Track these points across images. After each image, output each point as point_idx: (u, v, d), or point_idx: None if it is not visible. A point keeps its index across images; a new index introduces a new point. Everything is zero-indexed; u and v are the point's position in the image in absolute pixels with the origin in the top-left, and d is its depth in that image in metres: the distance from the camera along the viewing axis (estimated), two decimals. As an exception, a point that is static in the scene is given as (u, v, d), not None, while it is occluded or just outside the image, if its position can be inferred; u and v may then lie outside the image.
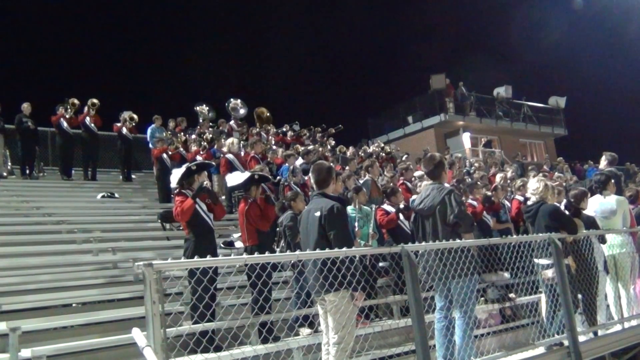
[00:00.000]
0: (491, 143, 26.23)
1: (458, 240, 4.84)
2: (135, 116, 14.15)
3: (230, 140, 12.04)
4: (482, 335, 5.66)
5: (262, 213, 6.77)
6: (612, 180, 7.35)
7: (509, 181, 12.11)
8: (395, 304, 7.26)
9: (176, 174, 6.64)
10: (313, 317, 6.27)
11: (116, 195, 12.36)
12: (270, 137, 14.96)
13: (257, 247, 6.48)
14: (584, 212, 6.70)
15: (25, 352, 4.90)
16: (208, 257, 3.59)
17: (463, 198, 8.17)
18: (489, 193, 9.75)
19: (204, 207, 6.43)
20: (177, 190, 6.50)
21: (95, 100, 13.64)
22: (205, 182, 6.58)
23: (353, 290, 4.42)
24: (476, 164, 15.93)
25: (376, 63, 43.99)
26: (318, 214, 4.63)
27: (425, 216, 5.26)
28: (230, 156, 11.24)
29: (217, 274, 5.57)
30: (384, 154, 16.18)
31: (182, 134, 13.88)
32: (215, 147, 12.63)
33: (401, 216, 8.21)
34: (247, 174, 7.17)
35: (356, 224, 7.43)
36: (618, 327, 6.35)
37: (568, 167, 19.51)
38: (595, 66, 33.98)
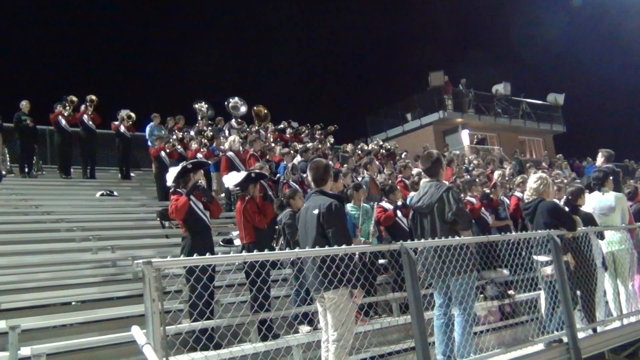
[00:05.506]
0: (484, 140, 26.18)
1: (457, 238, 4.84)
2: (132, 114, 14.09)
3: (232, 137, 12.04)
4: (481, 332, 5.65)
5: (260, 210, 6.78)
6: (611, 177, 7.36)
7: (507, 178, 12.11)
8: (395, 301, 7.27)
9: (172, 173, 6.65)
10: (312, 315, 6.28)
11: (115, 193, 12.34)
12: (268, 135, 14.94)
13: (254, 245, 6.47)
14: (582, 208, 6.71)
15: (25, 350, 4.89)
16: (207, 255, 3.60)
17: (462, 195, 8.19)
18: (487, 190, 9.76)
19: (200, 205, 6.43)
20: (173, 188, 6.50)
21: (92, 97, 13.53)
22: (200, 181, 6.58)
23: (352, 287, 4.42)
24: (475, 162, 15.94)
25: (375, 61, 43.99)
26: (316, 211, 4.62)
27: (423, 214, 5.24)
28: (230, 154, 11.24)
29: (215, 272, 5.57)
30: (383, 151, 16.16)
31: (178, 132, 13.83)
32: (215, 144, 12.62)
33: (399, 213, 8.23)
34: (243, 174, 7.18)
35: (355, 221, 7.43)
36: (617, 324, 6.35)
37: (567, 164, 19.53)
38: (594, 63, 34.03)
